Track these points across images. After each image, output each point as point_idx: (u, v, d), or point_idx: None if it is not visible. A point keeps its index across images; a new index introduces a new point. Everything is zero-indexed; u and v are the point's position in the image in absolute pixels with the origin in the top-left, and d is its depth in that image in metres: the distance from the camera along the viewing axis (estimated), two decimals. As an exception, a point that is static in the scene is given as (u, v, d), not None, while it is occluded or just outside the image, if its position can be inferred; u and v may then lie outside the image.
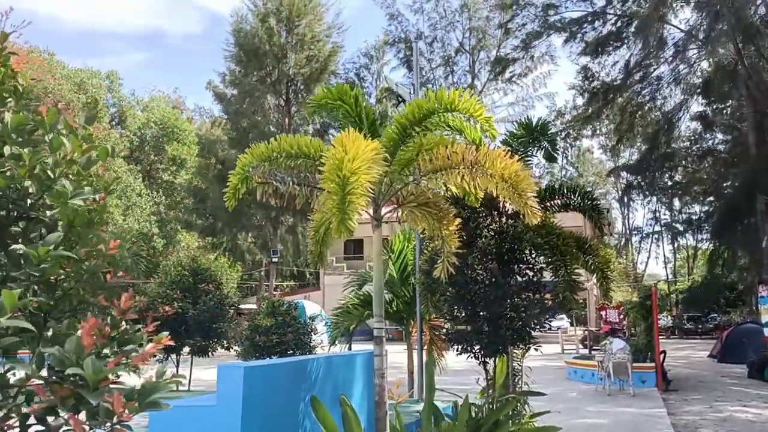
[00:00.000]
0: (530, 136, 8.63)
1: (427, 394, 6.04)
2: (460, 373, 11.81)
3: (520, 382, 10.46)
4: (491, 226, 8.01)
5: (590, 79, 22.42)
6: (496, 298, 7.73)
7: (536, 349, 8.18)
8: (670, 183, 50.89)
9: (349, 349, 11.19)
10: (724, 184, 38.23)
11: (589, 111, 23.77)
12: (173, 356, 14.04)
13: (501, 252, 7.81)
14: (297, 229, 30.39)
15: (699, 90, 19.03)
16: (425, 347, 10.83)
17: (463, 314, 7.88)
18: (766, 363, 20.05)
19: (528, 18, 20.54)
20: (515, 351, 9.92)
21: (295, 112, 29.64)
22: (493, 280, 7.74)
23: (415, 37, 33.65)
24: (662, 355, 18.24)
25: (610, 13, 19.48)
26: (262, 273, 33.46)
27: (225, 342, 14.52)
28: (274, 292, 32.87)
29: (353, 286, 11.11)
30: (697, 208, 52.19)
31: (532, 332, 7.89)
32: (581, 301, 45.10)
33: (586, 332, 30.83)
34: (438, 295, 8.22)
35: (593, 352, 24.18)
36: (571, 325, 43.58)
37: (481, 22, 30.40)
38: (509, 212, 7.99)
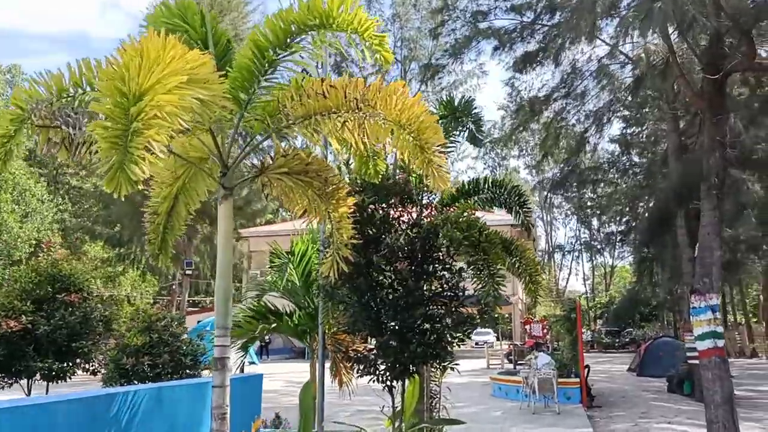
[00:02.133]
0: (452, 116, 7.14)
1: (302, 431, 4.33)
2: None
3: (437, 406, 8.84)
4: (402, 218, 6.42)
5: (518, 90, 21.64)
6: (406, 305, 6.10)
7: (452, 368, 6.58)
8: (589, 203, 51.55)
9: (241, 371, 9.30)
10: (640, 204, 38.49)
11: (516, 122, 22.90)
12: (24, 381, 11.20)
13: (413, 250, 6.21)
14: (214, 239, 27.87)
15: (626, 95, 18.42)
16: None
17: (367, 327, 6.20)
18: (685, 377, 19.48)
19: (458, 24, 19.37)
20: (431, 370, 8.34)
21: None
22: (403, 283, 6.12)
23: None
24: (586, 370, 17.21)
25: (540, 24, 18.58)
26: (174, 287, 30.59)
27: (90, 364, 11.86)
28: (192, 309, 30.17)
29: (252, 296, 9.25)
30: (613, 227, 53.02)
31: (450, 347, 6.30)
32: (506, 315, 44.58)
33: (511, 346, 29.84)
34: (338, 303, 6.52)
35: (518, 367, 23.06)
36: (497, 339, 42.82)
37: (412, 32, 29.35)
38: (423, 200, 6.45)
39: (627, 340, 42.75)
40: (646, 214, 28.96)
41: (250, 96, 3.87)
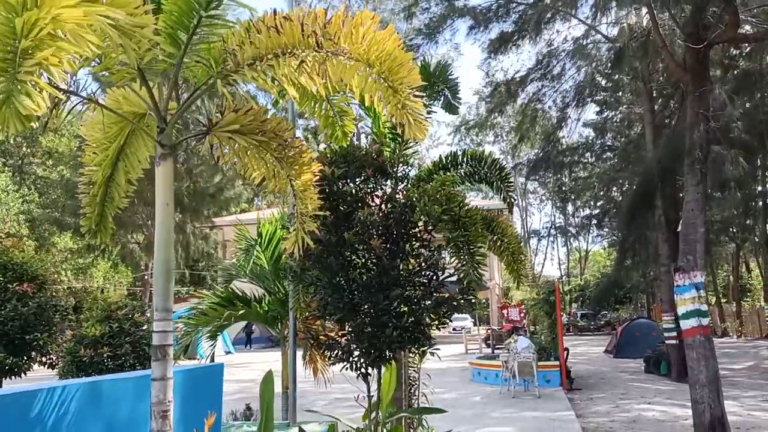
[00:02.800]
0: (428, 83, 6.56)
1: (263, 425, 3.77)
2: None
3: (417, 393, 8.35)
4: (375, 192, 5.85)
5: (493, 72, 21.21)
6: (381, 286, 5.55)
7: (432, 353, 6.06)
8: (564, 188, 51.66)
9: (212, 361, 8.68)
10: (614, 187, 38.56)
11: (492, 105, 22.45)
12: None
13: (388, 226, 5.65)
14: (186, 228, 26.96)
15: (602, 75, 18.08)
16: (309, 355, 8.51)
17: (338, 310, 5.63)
18: (661, 357, 19.42)
19: (432, 2, 18.73)
20: (409, 356, 7.83)
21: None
22: (378, 262, 5.57)
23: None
24: (566, 353, 16.96)
25: (516, 2, 18.06)
26: (146, 278, 29.57)
27: (47, 357, 11.01)
28: (194, 300, 29.14)
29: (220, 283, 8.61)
30: (588, 211, 53.38)
31: (428, 331, 5.77)
32: (483, 300, 44.43)
33: (489, 331, 29.62)
34: (307, 285, 5.94)
35: (497, 351, 22.80)
36: (474, 324, 42.72)
37: (386, 14, 28.65)
38: (399, 174, 5.88)
39: (602, 322, 43.05)
40: (626, 195, 28.85)
41: (190, 35, 3.23)
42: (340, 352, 5.64)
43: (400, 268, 5.75)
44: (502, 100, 22.42)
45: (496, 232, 7.37)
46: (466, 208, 6.16)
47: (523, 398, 14.75)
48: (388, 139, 7.04)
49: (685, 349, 9.62)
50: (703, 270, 9.68)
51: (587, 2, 20.66)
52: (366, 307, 5.52)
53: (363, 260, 5.71)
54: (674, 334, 18.69)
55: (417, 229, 5.80)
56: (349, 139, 4.78)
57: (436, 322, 5.81)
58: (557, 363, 16.41)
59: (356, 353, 5.53)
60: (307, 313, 6.51)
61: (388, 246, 5.72)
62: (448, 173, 7.40)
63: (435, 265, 5.69)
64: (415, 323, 5.55)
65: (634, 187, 14.68)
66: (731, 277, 38.92)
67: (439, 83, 6.57)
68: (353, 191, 5.69)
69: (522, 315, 28.13)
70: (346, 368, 5.57)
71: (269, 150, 3.78)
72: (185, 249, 27.13)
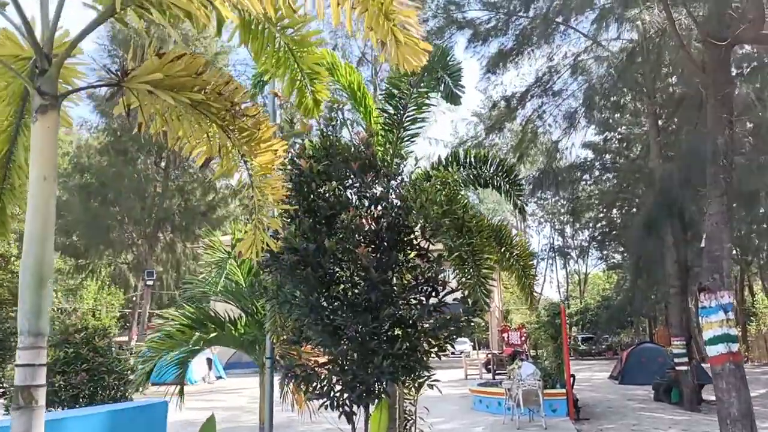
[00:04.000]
0: (426, 70, 5.61)
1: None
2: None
3: (413, 430, 7.21)
4: (365, 193, 4.84)
5: (493, 86, 20.42)
6: (369, 305, 4.51)
7: (432, 386, 4.99)
8: (562, 210, 50.67)
9: (181, 394, 7.49)
10: (614, 209, 37.60)
11: (492, 122, 21.59)
12: None
13: (378, 231, 4.63)
14: (176, 247, 25.84)
15: (604, 90, 17.25)
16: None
17: (317, 334, 4.58)
18: (671, 385, 18.19)
19: (429, 14, 17.99)
20: (405, 388, 6.72)
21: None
22: (365, 276, 4.53)
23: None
24: (572, 380, 15.75)
25: (516, 15, 17.30)
26: (135, 299, 28.36)
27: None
28: (158, 321, 27.99)
29: (184, 298, 7.53)
30: (587, 233, 52.55)
31: (427, 359, 4.71)
32: (483, 323, 43.11)
33: (489, 355, 28.34)
34: (283, 303, 4.88)
35: (498, 377, 21.54)
36: (474, 348, 41.33)
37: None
38: (388, 174, 4.87)
39: (603, 347, 41.75)
40: (630, 214, 27.89)
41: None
42: (318, 386, 4.56)
43: (393, 282, 4.72)
44: (501, 117, 21.56)
45: (504, 243, 6.35)
46: (472, 212, 5.15)
47: (529, 429, 13.53)
48: (380, 136, 6.06)
49: (713, 379, 8.52)
50: (731, 289, 8.64)
51: (587, 18, 20.02)
52: (351, 330, 4.47)
53: (348, 273, 4.68)
54: (685, 359, 17.55)
55: (413, 236, 4.77)
56: (321, 109, 3.81)
57: (436, 349, 4.75)
58: (563, 391, 15.20)
59: (338, 387, 4.46)
60: (284, 337, 5.45)
61: (378, 256, 4.69)
62: (450, 171, 6.40)
63: (434, 280, 4.65)
64: (411, 350, 4.49)
65: (651, 199, 13.62)
66: (735, 300, 37.76)
67: (438, 70, 5.62)
68: (335, 190, 4.68)
69: (523, 339, 26.91)
70: (326, 406, 4.50)
71: (210, 116, 2.78)
72: (176, 269, 26.00)
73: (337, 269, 4.70)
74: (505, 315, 42.45)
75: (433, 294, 4.69)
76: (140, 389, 7.66)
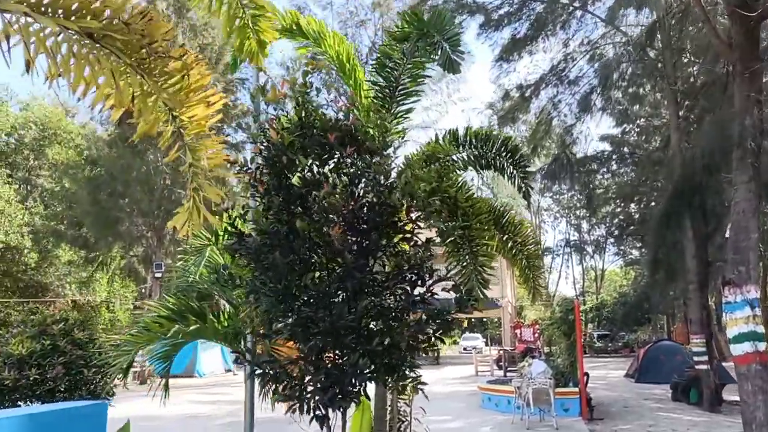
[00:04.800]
0: (421, 35, 5.00)
1: None
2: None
3: (407, 432, 6.63)
4: (343, 169, 4.25)
5: (507, 73, 19.72)
6: (346, 294, 3.94)
7: (418, 389, 4.40)
8: (578, 204, 49.66)
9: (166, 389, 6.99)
10: (632, 204, 36.67)
11: (504, 112, 20.86)
12: None
13: (356, 210, 4.04)
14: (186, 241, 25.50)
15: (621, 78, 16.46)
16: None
17: (287, 327, 4.01)
18: (690, 384, 17.38)
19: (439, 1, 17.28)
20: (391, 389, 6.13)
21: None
22: (340, 261, 3.96)
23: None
24: (585, 378, 15.05)
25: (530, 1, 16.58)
26: (144, 292, 28.06)
27: None
28: (138, 312, 27.64)
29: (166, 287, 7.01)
30: (603, 229, 51.64)
31: (412, 356, 4.12)
32: (496, 319, 42.35)
33: (500, 352, 27.64)
34: (250, 293, 4.32)
35: (509, 375, 20.89)
36: (486, 344, 40.60)
37: (394, 18, 27.41)
38: (372, 149, 4.26)
39: (620, 344, 40.80)
40: (650, 207, 27.03)
41: None
42: (290, 386, 4.00)
43: (374, 269, 4.13)
44: (515, 107, 20.81)
45: (507, 231, 5.73)
46: (468, 193, 4.53)
47: (539, 429, 12.91)
48: (371, 113, 5.46)
49: (738, 380, 7.81)
50: (758, 283, 7.92)
51: (605, 4, 19.17)
52: (325, 323, 3.90)
53: (322, 259, 4.10)
54: (705, 358, 16.75)
55: (397, 218, 4.18)
56: (266, 53, 3.24)
57: (424, 344, 4.15)
58: (576, 389, 14.51)
59: (310, 388, 3.89)
60: (249, 331, 4.88)
61: (358, 239, 4.10)
62: (442, 144, 5.77)
63: (420, 266, 4.05)
64: (392, 346, 3.91)
65: (671, 190, 12.84)
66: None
67: (435, 34, 5.01)
68: (310, 165, 4.10)
69: (536, 335, 26.23)
70: (295, 409, 3.93)
71: (118, 53, 2.21)
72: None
73: (311, 254, 4.13)
74: (518, 311, 41.67)
75: (419, 283, 4.09)
76: (122, 383, 7.18)
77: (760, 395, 7.47)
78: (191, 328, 6.52)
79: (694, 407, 16.39)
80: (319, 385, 3.78)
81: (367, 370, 3.83)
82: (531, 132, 23.94)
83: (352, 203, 3.99)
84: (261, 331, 4.27)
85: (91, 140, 25.90)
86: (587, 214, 48.66)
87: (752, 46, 8.00)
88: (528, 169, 6.16)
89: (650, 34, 12.24)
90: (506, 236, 5.73)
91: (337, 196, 3.89)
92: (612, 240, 48.58)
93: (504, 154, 6.05)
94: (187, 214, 2.59)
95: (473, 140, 6.04)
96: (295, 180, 4.04)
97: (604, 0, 18.51)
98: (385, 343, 3.95)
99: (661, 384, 20.45)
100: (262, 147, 4.12)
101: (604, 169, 31.96)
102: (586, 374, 15.18)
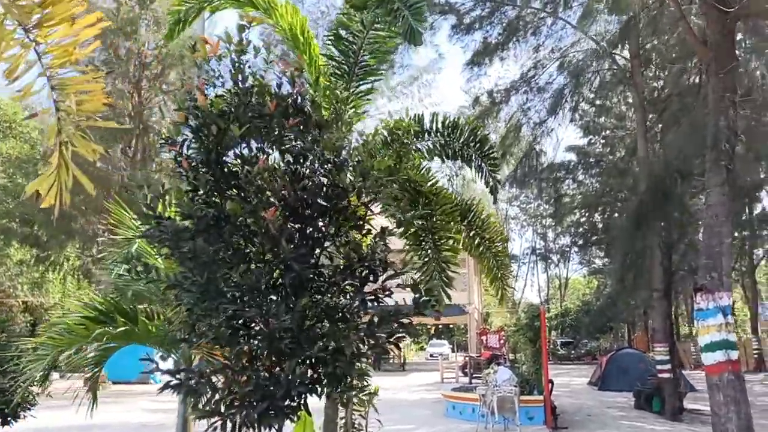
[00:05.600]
0: (380, 1, 4.40)
1: None
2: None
3: (360, 447, 5.96)
4: (285, 143, 3.60)
5: (476, 78, 19.36)
6: (283, 290, 3.29)
7: (367, 401, 3.75)
8: (544, 213, 49.87)
9: (94, 397, 6.17)
10: (596, 214, 36.84)
11: (476, 117, 20.47)
12: None
13: (299, 192, 3.40)
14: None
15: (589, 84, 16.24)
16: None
17: (211, 329, 3.33)
18: (654, 393, 17.14)
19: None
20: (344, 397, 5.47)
21: (147, 98, 23.52)
22: (276, 250, 3.30)
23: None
24: (550, 386, 14.61)
25: (506, 3, 16.21)
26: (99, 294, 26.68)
27: None
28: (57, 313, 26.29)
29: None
30: (569, 238, 51.97)
31: (359, 363, 3.48)
32: (462, 326, 41.93)
33: (466, 359, 27.18)
34: (170, 287, 3.62)
35: (474, 381, 20.40)
36: (453, 351, 40.16)
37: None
38: (321, 123, 3.63)
39: (582, 351, 40.91)
40: (618, 217, 26.98)
41: None
42: (212, 401, 3.30)
43: (318, 262, 3.48)
44: (485, 112, 20.44)
45: (474, 226, 5.15)
46: (433, 180, 3.93)
47: (503, 439, 12.40)
48: (327, 93, 4.81)
49: (708, 390, 7.39)
50: (730, 290, 7.53)
51: (575, 13, 18.98)
52: (257, 324, 3.23)
53: (257, 248, 3.44)
54: (668, 366, 16.56)
55: (348, 203, 3.55)
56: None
57: (376, 349, 3.52)
58: (541, 398, 14.06)
59: (236, 403, 3.21)
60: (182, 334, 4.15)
61: (301, 226, 3.45)
62: (403, 121, 5.14)
63: (372, 259, 3.42)
64: (337, 351, 3.26)
65: (637, 196, 12.53)
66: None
67: (395, 1, 4.41)
68: (243, 136, 3.43)
69: (502, 342, 25.83)
70: (216, 428, 3.23)
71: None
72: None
73: (248, 244, 3.46)
74: (485, 318, 41.38)
75: (371, 278, 3.46)
76: (44, 390, 6.34)
77: (732, 406, 7.05)
78: (118, 330, 5.76)
79: (657, 416, 16.14)
80: (244, 399, 3.11)
81: (308, 380, 3.18)
82: (500, 138, 23.68)
83: (295, 184, 3.34)
84: (182, 335, 3.58)
85: (45, 134, 24.56)
86: (553, 223, 48.94)
87: (728, 44, 7.66)
88: (497, 160, 5.61)
89: (622, 36, 11.93)
90: (473, 232, 5.15)
91: (277, 174, 3.24)
92: (576, 249, 48.87)
93: (472, 143, 5.48)
94: (54, 175, 1.93)
95: (439, 127, 5.46)
96: (227, 156, 3.38)
97: (574, 9, 18.34)
98: (330, 348, 3.30)
99: (623, 392, 20.24)
100: (189, 115, 3.45)
101: (570, 179, 32.01)
102: (551, 382, 14.76)
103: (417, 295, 3.62)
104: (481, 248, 5.14)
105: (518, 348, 21.97)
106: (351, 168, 3.37)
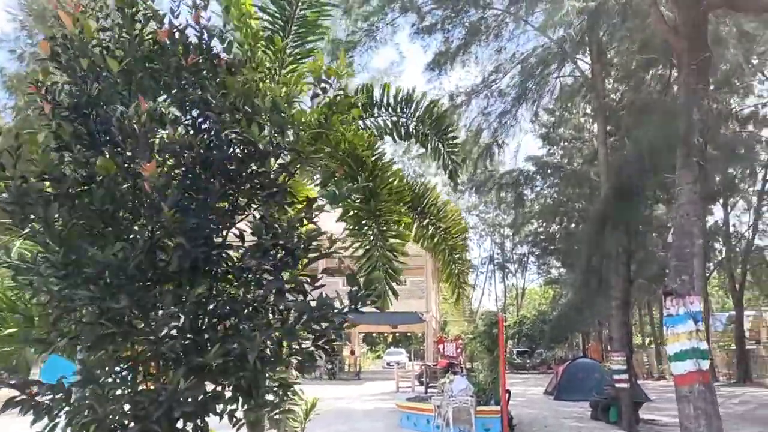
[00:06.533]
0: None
1: None
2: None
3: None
4: (184, 88, 2.74)
5: (437, 79, 18.85)
6: (164, 276, 2.44)
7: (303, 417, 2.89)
8: (503, 223, 49.99)
9: None
10: (553, 225, 36.99)
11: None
12: None
13: (191, 146, 2.56)
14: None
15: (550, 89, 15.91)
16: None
17: (73, 326, 2.45)
18: (610, 403, 16.75)
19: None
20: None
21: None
22: (159, 221, 2.45)
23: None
24: (507, 396, 13.99)
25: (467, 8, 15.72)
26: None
27: None
28: None
29: None
30: (526, 247, 52.35)
31: (272, 372, 2.64)
32: (419, 334, 41.26)
33: (422, 367, 26.44)
34: (23, 271, 2.73)
35: (430, 391, 19.66)
36: (410, 359, 39.40)
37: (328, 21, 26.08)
38: (233, 64, 2.79)
39: (538, 361, 40.87)
40: (575, 228, 26.90)
41: None
42: (70, 423, 2.41)
43: (225, 241, 2.64)
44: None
45: (428, 213, 4.37)
46: (379, 150, 3.15)
47: (458, 453, 11.65)
48: (259, 49, 3.96)
49: (678, 402, 6.81)
50: (700, 295, 7.00)
51: (536, 20, 18.69)
52: (132, 319, 2.37)
53: (142, 221, 2.57)
54: (624, 376, 16.19)
55: (260, 165, 2.72)
56: None
57: (293, 356, 2.68)
58: (498, 408, 13.39)
59: (93, 426, 2.32)
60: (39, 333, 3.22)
61: (199, 195, 2.61)
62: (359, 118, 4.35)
63: (289, 236, 2.60)
64: (241, 356, 2.42)
65: (597, 203, 12.11)
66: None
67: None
68: (124, 77, 2.57)
69: (459, 351, 25.21)
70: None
71: None
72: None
73: (127, 213, 2.59)
74: (442, 326, 40.86)
75: (290, 262, 2.64)
76: None
77: (703, 419, 6.49)
78: (8, 332, 4.76)
79: (614, 427, 15.74)
80: (101, 425, 2.23)
81: (194, 399, 2.33)
82: (461, 143, 23.27)
83: (192, 138, 2.50)
84: (38, 335, 2.68)
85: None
86: (511, 233, 49.07)
87: (699, 35, 7.21)
88: (456, 141, 4.89)
89: (592, 23, 11.51)
90: (427, 221, 4.38)
91: (165, 122, 2.40)
92: (534, 259, 49.11)
93: (429, 121, 4.73)
94: None
95: (391, 101, 4.68)
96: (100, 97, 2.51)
97: (536, 15, 18.03)
98: (234, 353, 2.45)
99: (579, 402, 19.86)
100: (56, 47, 2.57)
101: (529, 189, 31.92)
102: (508, 392, 14.14)
103: (354, 288, 2.82)
104: (436, 239, 4.38)
105: (475, 357, 21.40)
106: (268, 121, 2.56)
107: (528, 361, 40.90)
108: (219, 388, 2.68)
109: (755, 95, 20.11)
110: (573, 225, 30.02)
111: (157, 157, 2.49)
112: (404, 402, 15.92)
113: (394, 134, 4.81)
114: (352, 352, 36.26)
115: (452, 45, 18.86)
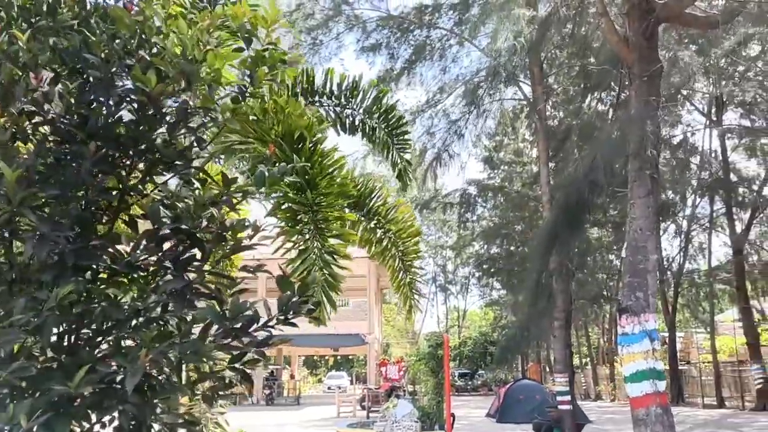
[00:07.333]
0: None
1: None
2: None
3: None
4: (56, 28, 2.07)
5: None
6: (22, 272, 1.73)
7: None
8: (446, 246, 50.18)
9: None
10: (494, 247, 37.23)
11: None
12: None
13: (61, 95, 1.88)
14: None
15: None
16: None
17: None
18: (553, 425, 16.50)
19: (317, 9, 15.62)
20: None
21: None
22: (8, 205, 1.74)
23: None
24: (452, 419, 13.43)
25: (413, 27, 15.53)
26: None
27: None
28: None
29: None
30: (468, 269, 52.68)
31: (164, 403, 1.95)
32: (362, 357, 40.32)
33: (365, 391, 25.58)
34: None
35: (372, 416, 18.86)
36: (351, 383, 38.34)
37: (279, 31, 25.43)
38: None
39: (479, 383, 40.69)
40: (515, 248, 27.02)
41: None
42: None
43: (113, 228, 1.95)
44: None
45: (375, 214, 3.78)
46: (318, 125, 2.54)
47: (401, 482, 10.96)
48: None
49: (634, 426, 6.42)
50: (655, 313, 6.70)
51: (481, 42, 18.77)
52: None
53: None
54: (567, 398, 15.99)
55: (165, 123, 2.05)
56: None
57: (209, 379, 2.00)
58: (443, 433, 12.82)
59: None
60: None
61: (73, 163, 1.91)
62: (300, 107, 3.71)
63: (197, 220, 1.94)
64: (121, 384, 1.73)
65: (540, 223, 11.91)
66: (601, 340, 38.06)
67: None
68: None
69: (401, 373, 24.56)
70: None
71: None
72: None
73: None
74: (384, 348, 40.10)
75: (197, 255, 1.97)
76: None
77: (660, 444, 6.11)
78: None
79: (557, 449, 15.44)
80: None
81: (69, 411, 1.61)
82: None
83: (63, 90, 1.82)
84: None
85: None
86: (453, 254, 49.23)
87: (651, 46, 7.08)
88: (408, 136, 4.35)
89: (540, 33, 11.39)
90: (375, 222, 3.78)
91: (28, 66, 1.71)
92: (475, 280, 49.37)
93: (376, 112, 4.18)
94: None
95: (335, 89, 4.10)
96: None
97: (479, 38, 18.09)
98: (108, 379, 1.75)
99: (522, 424, 19.55)
100: None
101: (469, 213, 32.04)
102: (453, 415, 13.59)
103: (287, 293, 2.17)
104: (385, 243, 3.79)
105: (418, 379, 20.79)
106: (171, 68, 1.91)
107: (470, 383, 40.67)
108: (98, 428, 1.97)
109: (682, 124, 20.92)
110: (513, 247, 30.19)
111: (11, 110, 1.79)
112: (345, 428, 15.04)
113: (338, 126, 4.22)
114: (292, 376, 34.91)
115: (397, 63, 18.69)
